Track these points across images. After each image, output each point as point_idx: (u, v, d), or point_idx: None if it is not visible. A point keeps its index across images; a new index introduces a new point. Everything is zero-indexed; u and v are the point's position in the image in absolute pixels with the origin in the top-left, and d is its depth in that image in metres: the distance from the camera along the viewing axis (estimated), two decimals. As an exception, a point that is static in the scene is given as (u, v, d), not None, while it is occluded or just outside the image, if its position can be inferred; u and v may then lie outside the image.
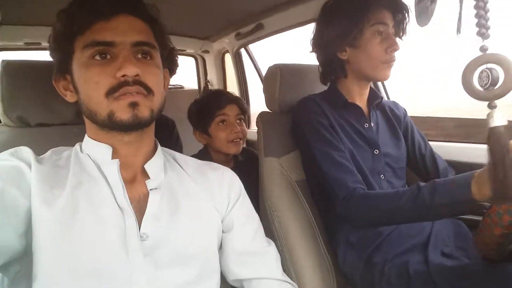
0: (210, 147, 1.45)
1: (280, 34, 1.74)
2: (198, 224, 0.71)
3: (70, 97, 0.69)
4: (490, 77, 0.57)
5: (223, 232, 0.77)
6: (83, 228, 0.60)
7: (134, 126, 0.63)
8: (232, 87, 2.34)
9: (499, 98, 0.59)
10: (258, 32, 1.72)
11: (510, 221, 0.59)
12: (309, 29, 1.16)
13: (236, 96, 1.48)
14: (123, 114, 0.62)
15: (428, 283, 0.84)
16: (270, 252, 0.80)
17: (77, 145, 0.72)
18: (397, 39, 1.03)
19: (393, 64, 1.03)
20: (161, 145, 0.79)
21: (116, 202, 0.64)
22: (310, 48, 1.14)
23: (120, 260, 0.60)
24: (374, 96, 1.15)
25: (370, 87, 1.15)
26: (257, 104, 2.24)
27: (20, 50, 1.81)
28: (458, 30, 0.63)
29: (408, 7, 1.02)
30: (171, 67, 0.79)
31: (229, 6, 1.53)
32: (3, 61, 0.94)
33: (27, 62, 0.98)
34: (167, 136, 1.52)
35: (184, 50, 2.30)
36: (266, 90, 1.25)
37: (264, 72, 1.56)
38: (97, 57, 0.63)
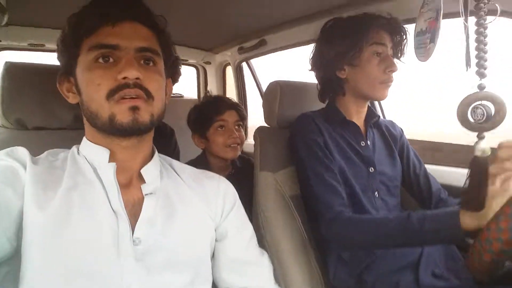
0: (208, 152, 1.46)
1: (282, 52, 1.77)
2: (192, 231, 0.71)
3: (72, 99, 0.70)
4: (485, 114, 0.62)
5: (216, 240, 0.77)
6: (75, 231, 0.60)
7: (134, 130, 0.64)
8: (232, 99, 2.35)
9: (487, 131, 0.65)
10: (261, 47, 1.74)
11: (500, 248, 0.60)
12: (309, 48, 1.19)
13: (236, 103, 1.49)
14: (124, 117, 0.62)
15: None
16: (263, 262, 0.80)
17: (74, 147, 0.72)
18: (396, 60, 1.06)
19: (391, 84, 1.05)
20: (159, 152, 0.79)
21: (111, 205, 0.64)
22: (309, 67, 1.17)
23: (112, 264, 0.60)
24: (371, 115, 1.16)
25: (368, 105, 1.16)
26: (255, 116, 2.26)
27: (24, 51, 1.82)
28: (468, 65, 0.67)
29: (407, 30, 1.05)
30: (174, 76, 0.81)
31: (234, 20, 1.56)
32: (6, 62, 0.94)
33: (29, 65, 0.99)
34: (165, 143, 1.52)
35: (186, 60, 2.31)
36: (266, 106, 1.27)
37: (264, 87, 1.58)
38: (101, 60, 0.64)
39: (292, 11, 1.35)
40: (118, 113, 0.62)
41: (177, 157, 1.38)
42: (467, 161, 0.70)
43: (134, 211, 0.66)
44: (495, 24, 0.63)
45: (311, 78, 1.21)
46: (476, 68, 0.64)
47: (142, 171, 0.70)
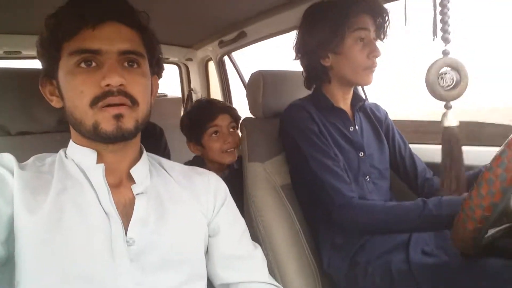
0: (205, 157, 1.43)
1: (264, 41, 1.77)
2: (185, 229, 0.71)
3: (56, 103, 0.68)
4: (454, 79, 0.63)
5: (209, 236, 0.77)
6: (68, 234, 0.59)
7: (118, 137, 0.63)
8: (216, 95, 2.35)
9: (455, 99, 0.66)
10: (241, 40, 1.74)
11: (482, 215, 0.61)
12: (292, 35, 1.18)
13: (227, 105, 1.46)
14: (108, 125, 0.61)
15: (410, 281, 0.87)
16: (256, 256, 0.80)
17: (61, 151, 0.71)
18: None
19: (374, 69, 1.05)
20: (150, 152, 0.79)
21: (102, 207, 0.63)
22: (294, 55, 1.15)
23: (107, 266, 0.60)
24: (357, 99, 1.17)
25: (353, 90, 1.17)
26: (240, 110, 2.26)
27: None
28: (434, 34, 0.67)
29: (388, 11, 1.04)
30: (159, 72, 0.80)
31: (212, 14, 1.55)
32: None
33: (7, 70, 0.97)
34: (155, 144, 1.51)
35: (168, 58, 2.30)
36: (250, 96, 1.27)
37: (247, 79, 1.57)
38: (83, 65, 0.62)
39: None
40: (102, 121, 0.61)
41: (167, 158, 1.37)
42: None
43: (125, 212, 0.66)
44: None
45: (295, 65, 1.20)
46: (441, 33, 0.65)
47: (131, 171, 0.70)
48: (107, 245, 0.61)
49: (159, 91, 0.81)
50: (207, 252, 0.77)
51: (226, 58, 2.16)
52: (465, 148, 1.19)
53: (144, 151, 0.76)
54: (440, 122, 0.67)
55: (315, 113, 1.07)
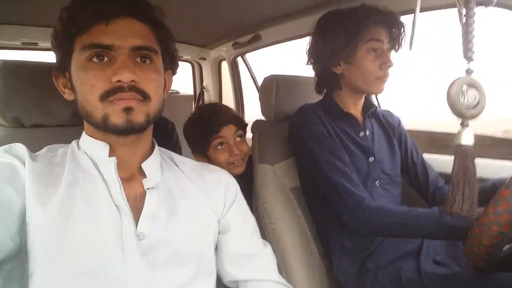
0: None
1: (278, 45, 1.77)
2: (195, 225, 0.71)
3: (68, 95, 0.68)
4: (477, 98, 0.62)
5: (219, 233, 0.77)
6: (78, 227, 0.59)
7: (128, 130, 0.63)
8: (228, 95, 2.36)
9: (473, 118, 0.65)
10: (256, 42, 1.74)
11: (499, 231, 0.61)
12: (304, 41, 1.17)
13: (232, 114, 1.30)
14: (117, 118, 0.61)
15: None
16: (266, 254, 0.80)
17: (73, 142, 0.71)
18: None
19: (386, 79, 1.04)
20: (161, 147, 0.79)
21: (113, 200, 0.64)
22: (305, 60, 1.16)
23: (117, 260, 0.60)
24: (369, 105, 1.17)
25: (365, 96, 1.17)
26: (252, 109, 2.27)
27: (17, 50, 1.80)
28: (410, 46, 0.68)
29: (404, 23, 1.03)
30: (173, 68, 0.79)
31: (228, 16, 1.56)
32: (0, 61, 0.94)
33: (24, 63, 0.98)
34: (166, 138, 1.51)
35: (181, 56, 2.31)
36: (262, 99, 1.27)
37: (260, 81, 1.57)
38: (95, 59, 0.62)
39: (286, 5, 1.35)
40: (111, 114, 0.61)
41: (179, 153, 1.37)
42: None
43: (136, 206, 0.66)
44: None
45: (308, 70, 1.20)
46: (464, 52, 0.65)
47: (143, 165, 0.70)
48: (117, 239, 0.61)
49: (171, 88, 0.80)
50: (216, 248, 0.77)
51: (239, 59, 2.17)
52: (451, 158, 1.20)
53: (156, 146, 0.76)
54: (455, 139, 0.66)
55: (324, 117, 1.07)
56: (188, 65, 2.54)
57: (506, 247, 0.68)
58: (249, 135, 1.29)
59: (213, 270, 0.74)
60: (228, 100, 2.36)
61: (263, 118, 1.32)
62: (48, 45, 0.68)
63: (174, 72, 0.79)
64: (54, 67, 0.69)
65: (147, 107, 0.64)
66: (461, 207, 0.66)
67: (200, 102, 2.52)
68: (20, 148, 0.65)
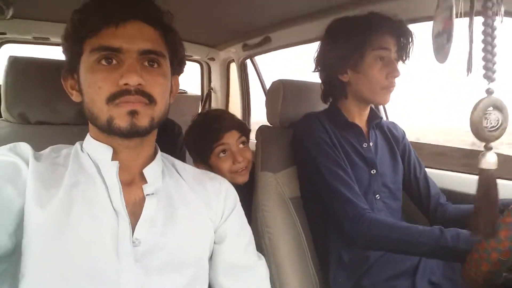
0: None
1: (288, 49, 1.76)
2: (192, 233, 0.71)
3: (75, 97, 0.69)
4: (499, 120, 0.60)
5: (214, 243, 0.77)
6: (76, 229, 0.59)
7: (132, 133, 0.63)
8: (235, 96, 2.35)
9: (496, 140, 0.62)
10: (265, 45, 1.73)
11: (498, 258, 0.60)
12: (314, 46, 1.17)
13: (234, 121, 1.26)
14: (122, 121, 0.62)
15: None
16: (260, 267, 0.80)
17: (77, 144, 0.72)
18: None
19: (393, 89, 1.04)
20: (165, 151, 0.79)
21: (112, 204, 0.64)
22: (313, 67, 1.15)
23: (111, 264, 0.60)
24: (374, 116, 1.16)
25: (370, 107, 1.16)
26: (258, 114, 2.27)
27: (28, 44, 1.82)
28: (469, 70, 0.64)
29: (413, 33, 1.03)
30: (180, 71, 0.79)
31: (239, 17, 1.55)
32: (10, 57, 0.94)
33: (33, 59, 0.99)
34: (172, 142, 1.51)
35: (190, 56, 2.31)
36: (269, 104, 1.26)
37: (268, 84, 1.56)
38: (103, 62, 0.63)
39: (297, 8, 1.34)
40: (116, 117, 0.62)
41: (183, 157, 1.36)
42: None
43: (134, 211, 0.66)
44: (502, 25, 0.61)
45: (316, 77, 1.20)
46: (484, 71, 0.61)
47: (144, 171, 0.70)
48: (113, 243, 0.61)
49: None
50: (210, 258, 0.77)
51: (248, 61, 2.16)
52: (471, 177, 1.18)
53: (159, 151, 0.76)
54: (478, 163, 0.64)
55: (328, 126, 1.07)
56: (197, 65, 2.54)
57: (505, 275, 0.67)
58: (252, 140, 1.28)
59: (206, 278, 0.74)
60: (235, 102, 2.36)
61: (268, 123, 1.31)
62: (59, 40, 0.69)
63: (180, 72, 0.79)
64: (61, 65, 0.70)
65: (152, 111, 0.64)
66: (484, 231, 0.64)
67: (207, 103, 2.52)
68: (24, 148, 0.66)
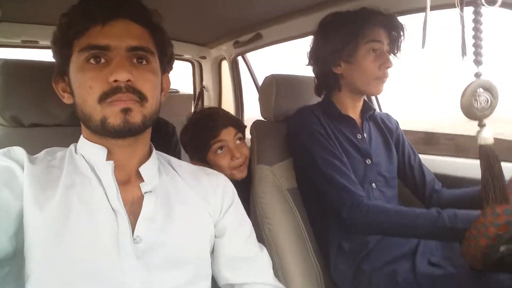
0: None
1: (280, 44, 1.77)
2: (191, 228, 0.71)
3: (67, 99, 0.69)
4: (489, 101, 0.65)
5: (215, 237, 0.77)
6: (75, 230, 0.59)
7: (125, 131, 0.63)
8: (228, 94, 2.35)
9: (485, 118, 0.67)
10: (257, 41, 1.73)
11: (496, 233, 0.62)
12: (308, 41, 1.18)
13: (230, 117, 1.28)
14: (115, 120, 0.62)
15: None
16: (262, 257, 0.81)
17: (71, 146, 0.72)
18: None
19: (386, 80, 1.06)
20: (160, 150, 0.79)
21: (110, 204, 0.64)
22: (307, 61, 1.17)
23: (113, 263, 0.60)
24: (367, 108, 1.18)
25: (364, 99, 1.18)
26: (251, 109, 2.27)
27: (17, 48, 1.80)
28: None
29: (404, 26, 1.05)
30: (169, 68, 0.80)
31: (229, 14, 1.55)
32: (0, 59, 0.93)
33: (24, 62, 0.98)
34: (165, 142, 1.51)
35: (181, 55, 2.30)
36: (262, 99, 1.27)
37: (260, 81, 1.57)
38: (92, 61, 0.63)
39: (288, 4, 1.35)
40: (109, 116, 0.62)
41: (178, 156, 1.36)
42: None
43: (133, 209, 0.66)
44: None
45: (308, 71, 1.21)
46: (473, 57, 0.66)
47: (140, 169, 0.70)
48: (114, 243, 0.61)
49: (171, 87, 0.80)
50: (212, 252, 0.77)
51: (240, 58, 2.16)
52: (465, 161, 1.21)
53: (154, 149, 0.76)
54: (477, 140, 0.69)
55: (323, 118, 1.09)
56: (188, 64, 2.53)
57: (503, 248, 0.69)
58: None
59: (208, 273, 0.74)
60: (228, 100, 2.36)
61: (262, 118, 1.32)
62: (48, 43, 0.69)
63: (170, 69, 0.79)
64: (52, 66, 0.70)
65: (144, 108, 0.64)
66: (495, 201, 0.68)
67: (200, 102, 2.51)
68: (19, 152, 0.65)
